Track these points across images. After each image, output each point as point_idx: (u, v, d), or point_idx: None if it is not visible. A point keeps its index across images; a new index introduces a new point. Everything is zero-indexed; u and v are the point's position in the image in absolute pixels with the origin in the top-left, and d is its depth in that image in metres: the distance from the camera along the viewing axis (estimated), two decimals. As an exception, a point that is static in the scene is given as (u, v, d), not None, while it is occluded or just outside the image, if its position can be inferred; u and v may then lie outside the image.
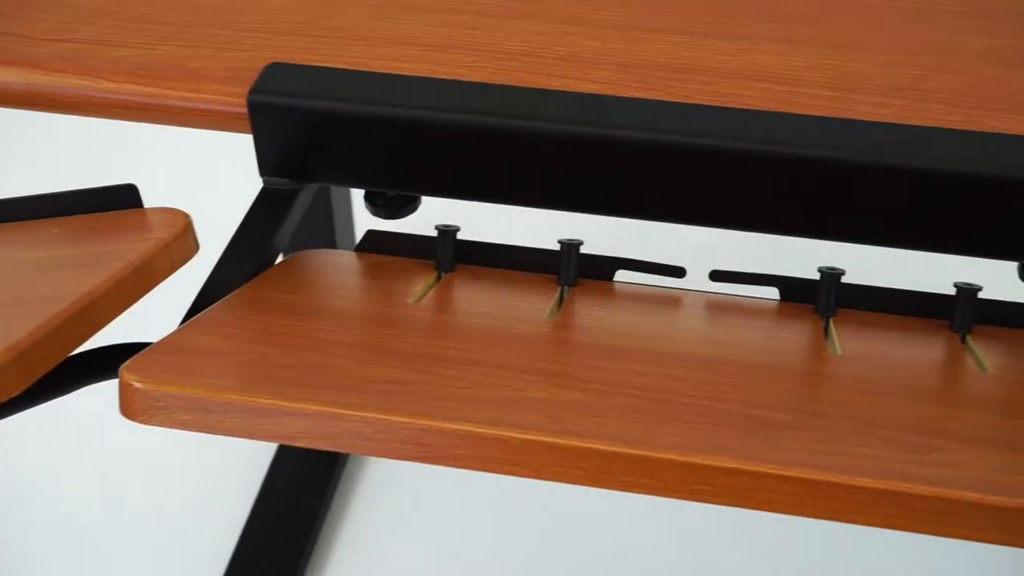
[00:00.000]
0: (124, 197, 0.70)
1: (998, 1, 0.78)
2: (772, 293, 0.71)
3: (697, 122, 0.63)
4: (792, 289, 0.70)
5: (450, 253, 0.71)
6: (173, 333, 0.59)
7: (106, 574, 1.12)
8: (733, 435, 0.53)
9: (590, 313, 0.67)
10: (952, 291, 0.68)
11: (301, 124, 0.66)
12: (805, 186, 0.63)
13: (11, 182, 1.63)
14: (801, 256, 0.84)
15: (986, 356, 0.64)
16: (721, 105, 0.66)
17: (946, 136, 0.63)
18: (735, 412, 0.55)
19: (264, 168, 0.70)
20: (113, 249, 0.63)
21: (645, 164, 0.64)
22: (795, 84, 0.68)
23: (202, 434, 0.54)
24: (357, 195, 1.14)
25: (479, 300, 0.68)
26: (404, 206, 0.73)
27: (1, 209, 0.71)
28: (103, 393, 0.64)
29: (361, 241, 0.74)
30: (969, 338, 0.67)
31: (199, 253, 0.69)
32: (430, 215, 0.79)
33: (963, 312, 0.67)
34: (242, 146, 0.71)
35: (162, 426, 0.53)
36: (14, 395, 0.53)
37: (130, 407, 0.54)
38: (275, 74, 0.68)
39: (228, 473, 1.20)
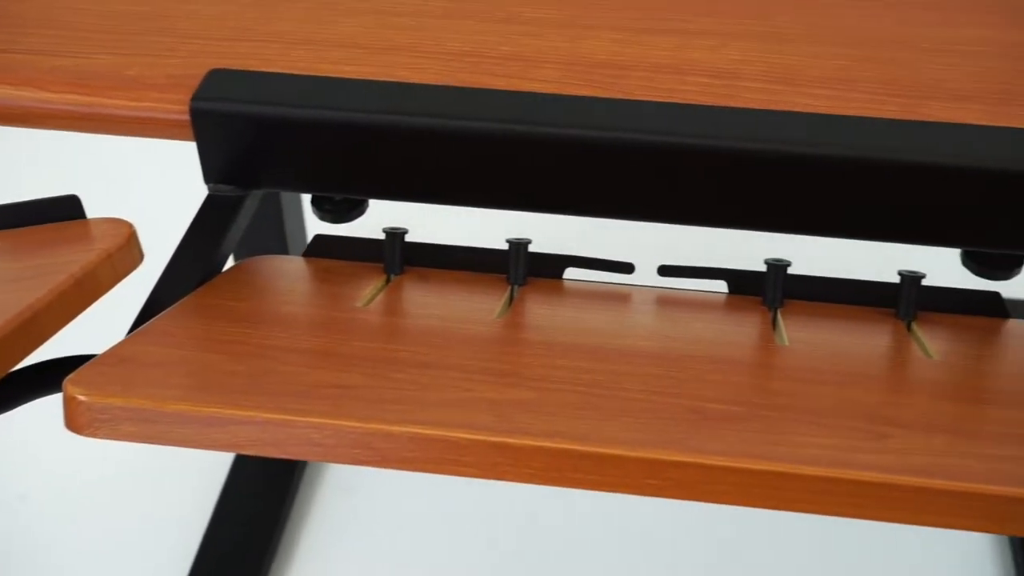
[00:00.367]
0: (66, 208, 0.70)
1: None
2: (720, 286, 0.71)
3: (639, 118, 0.64)
4: (740, 282, 0.71)
5: (398, 256, 0.71)
6: (118, 344, 0.59)
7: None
8: (681, 428, 0.53)
9: (539, 311, 0.67)
10: (897, 279, 0.69)
11: (244, 130, 0.66)
12: (744, 179, 0.63)
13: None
14: (749, 249, 0.84)
15: (931, 342, 0.65)
16: (661, 100, 0.66)
17: (882, 125, 0.64)
18: (683, 406, 0.55)
19: (208, 175, 0.69)
20: (55, 261, 0.63)
21: (589, 162, 0.64)
22: (732, 77, 0.69)
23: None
24: (308, 200, 1.13)
25: (428, 302, 0.68)
26: (352, 210, 0.72)
27: (-60, 224, 0.70)
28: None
29: (309, 246, 0.73)
30: (914, 325, 0.68)
31: (147, 263, 0.69)
32: (381, 218, 0.78)
33: (907, 299, 0.68)
34: (187, 154, 0.70)
35: (108, 439, 0.53)
36: (-45, 412, 0.53)
37: (75, 421, 0.53)
38: (217, 80, 0.67)
39: (186, 482, 1.19)
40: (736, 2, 0.77)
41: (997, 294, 0.70)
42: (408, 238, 0.71)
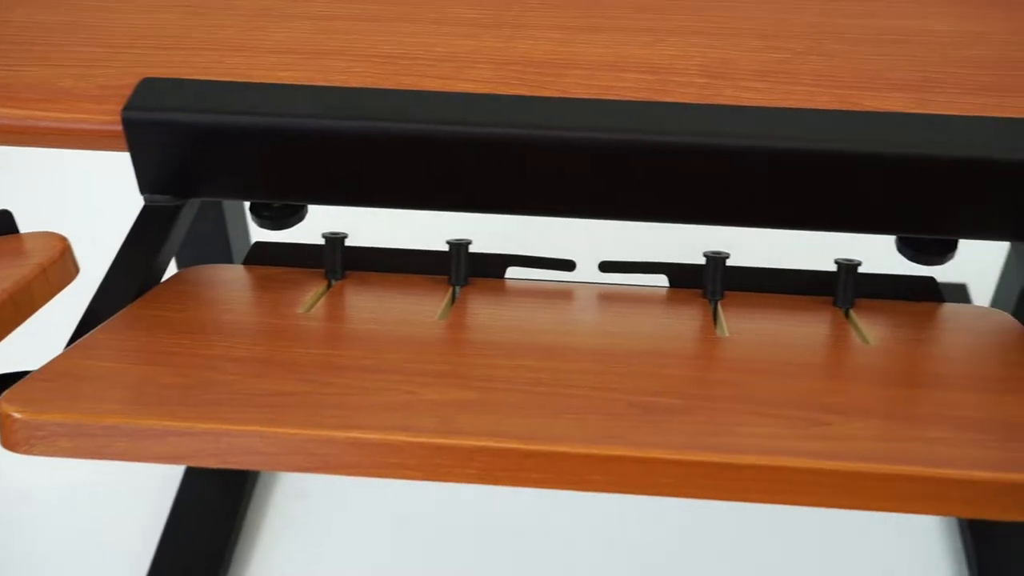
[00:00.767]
0: (-2, 223, 0.69)
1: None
2: (661, 280, 0.72)
3: (573, 116, 0.64)
4: (680, 275, 0.71)
5: (339, 260, 0.70)
6: (55, 359, 0.58)
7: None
8: (623, 423, 0.53)
9: (481, 311, 0.67)
10: (834, 268, 0.69)
11: (177, 139, 0.65)
12: (681, 173, 0.64)
13: None
14: (690, 243, 0.85)
15: (869, 328, 0.66)
16: (598, 98, 0.66)
17: (816, 117, 0.64)
18: (625, 400, 0.56)
19: (144, 185, 0.69)
20: (-12, 277, 0.62)
21: (525, 160, 0.64)
22: (667, 73, 0.69)
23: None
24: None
25: (370, 306, 0.68)
26: (291, 216, 0.72)
27: None
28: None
29: (249, 254, 0.73)
30: (852, 312, 0.69)
31: (85, 276, 0.68)
32: (324, 222, 0.78)
33: (845, 287, 0.69)
34: (124, 164, 0.70)
35: (45, 455, 0.52)
36: None
37: (10, 438, 0.52)
38: (149, 89, 0.67)
39: (138, 494, 1.18)
40: (671, -2, 0.78)
41: (932, 279, 0.71)
42: (350, 242, 0.71)
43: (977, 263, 1.26)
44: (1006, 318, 0.68)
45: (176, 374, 0.57)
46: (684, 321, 0.67)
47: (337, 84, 0.68)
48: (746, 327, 0.66)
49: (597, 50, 0.72)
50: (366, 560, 1.12)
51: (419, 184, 0.66)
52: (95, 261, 0.72)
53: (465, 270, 0.70)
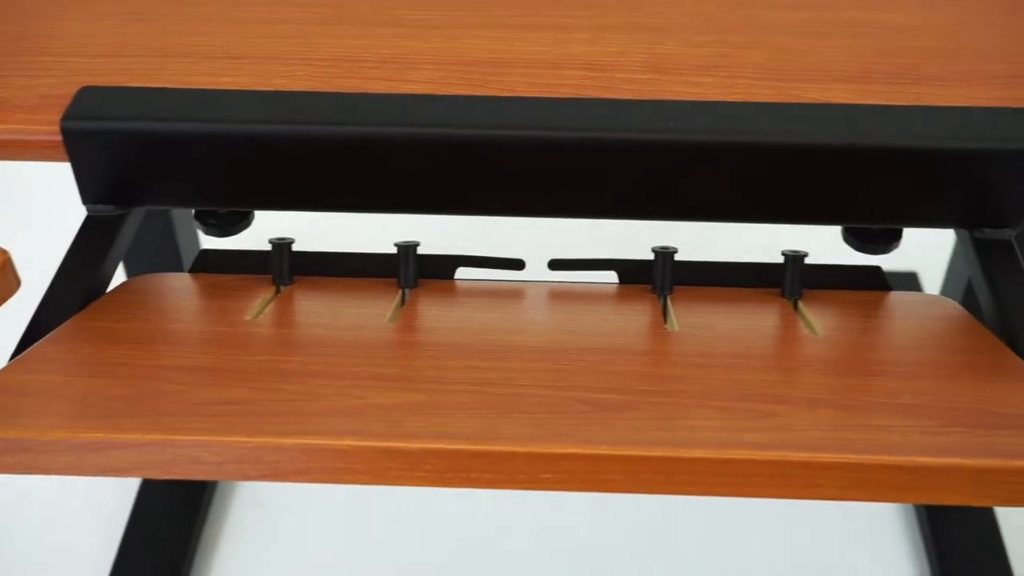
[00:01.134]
0: (-62, 238, 0.68)
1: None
2: (611, 277, 0.72)
3: (517, 114, 0.64)
4: (629, 271, 0.71)
5: (286, 266, 0.70)
6: (-3, 374, 0.57)
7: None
8: (572, 421, 0.53)
9: (431, 313, 0.67)
10: (780, 259, 0.70)
11: (118, 148, 0.65)
12: (628, 169, 0.64)
13: None
14: (640, 239, 0.85)
15: (816, 319, 0.66)
16: (541, 96, 0.67)
17: (759, 109, 0.65)
18: (575, 398, 0.56)
19: (86, 196, 0.68)
20: (-74, 293, 0.61)
21: (472, 160, 0.64)
22: (611, 69, 0.69)
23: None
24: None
25: (318, 311, 0.67)
26: (237, 222, 0.71)
27: None
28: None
29: (195, 261, 0.72)
30: (800, 303, 0.69)
31: (27, 289, 0.67)
32: (287, 228, 0.78)
33: (792, 279, 0.69)
34: (65, 174, 0.69)
35: (-13, 472, 0.51)
36: None
37: (-49, 456, 0.51)
38: (88, 98, 0.66)
39: (90, 507, 1.17)
40: (614, -5, 0.78)
41: (878, 268, 0.71)
42: (304, 247, 0.71)
43: (935, 251, 1.28)
44: (951, 305, 0.69)
45: (121, 386, 0.56)
46: (633, 317, 0.67)
47: (279, 88, 0.67)
48: (695, 321, 0.66)
49: (540, 48, 0.72)
50: (325, 569, 1.11)
51: (365, 187, 0.66)
52: (38, 273, 0.71)
53: (414, 272, 0.70)
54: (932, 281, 1.38)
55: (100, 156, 0.65)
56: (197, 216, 0.71)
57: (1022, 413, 0.54)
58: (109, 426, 0.51)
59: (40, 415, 0.53)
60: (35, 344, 0.61)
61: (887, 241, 0.70)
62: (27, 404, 0.54)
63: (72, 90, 0.67)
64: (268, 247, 0.70)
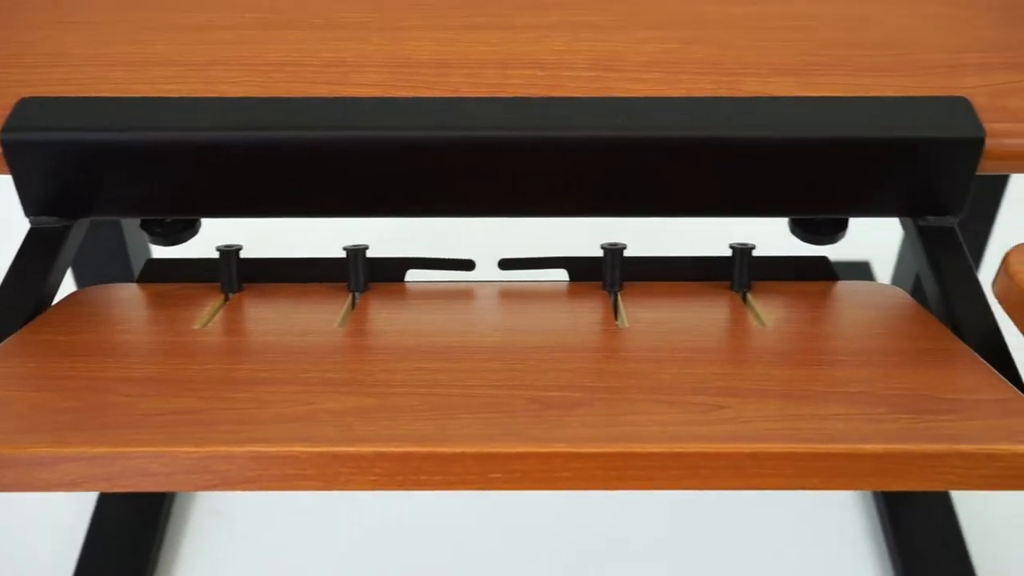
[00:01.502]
0: None
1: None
2: (562, 275, 0.72)
3: (463, 115, 0.64)
4: (579, 269, 0.71)
5: (234, 273, 0.69)
6: (-60, 391, 0.56)
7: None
8: (522, 420, 0.53)
9: (381, 316, 0.67)
10: (728, 252, 0.70)
11: (59, 159, 0.64)
12: (575, 167, 0.64)
13: None
14: (590, 236, 0.86)
15: (765, 311, 0.67)
16: (487, 96, 0.67)
17: (702, 104, 0.65)
18: (525, 397, 0.56)
19: (28, 208, 0.67)
20: None
21: (419, 162, 0.64)
22: (556, 68, 0.69)
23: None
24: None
25: (267, 317, 0.67)
26: (184, 231, 0.71)
27: None
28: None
29: (142, 271, 0.72)
30: (749, 295, 0.69)
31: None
32: (236, 233, 0.77)
33: (741, 271, 0.70)
34: (6, 186, 0.68)
35: (-69, 491, 0.51)
36: None
37: None
38: (27, 109, 0.65)
39: (46, 520, 1.15)
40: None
41: (825, 258, 0.72)
42: (257, 254, 0.70)
43: (892, 240, 1.29)
44: (897, 293, 0.70)
45: (67, 399, 0.56)
46: (584, 314, 0.67)
47: (222, 95, 0.67)
48: (645, 316, 0.66)
49: (485, 48, 0.72)
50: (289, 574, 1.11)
51: (312, 192, 0.66)
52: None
53: (364, 276, 0.70)
54: (887, 270, 1.39)
55: (41, 168, 0.64)
56: (143, 225, 0.71)
57: (965, 397, 0.55)
58: (55, 440, 0.51)
59: (-16, 431, 0.53)
60: None
61: (833, 231, 0.70)
62: (-30, 421, 0.54)
63: (11, 101, 0.66)
64: (216, 255, 0.70)
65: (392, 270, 0.71)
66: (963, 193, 0.66)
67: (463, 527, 1.15)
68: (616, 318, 0.66)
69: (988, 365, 0.59)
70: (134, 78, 0.69)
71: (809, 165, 0.64)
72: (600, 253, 0.70)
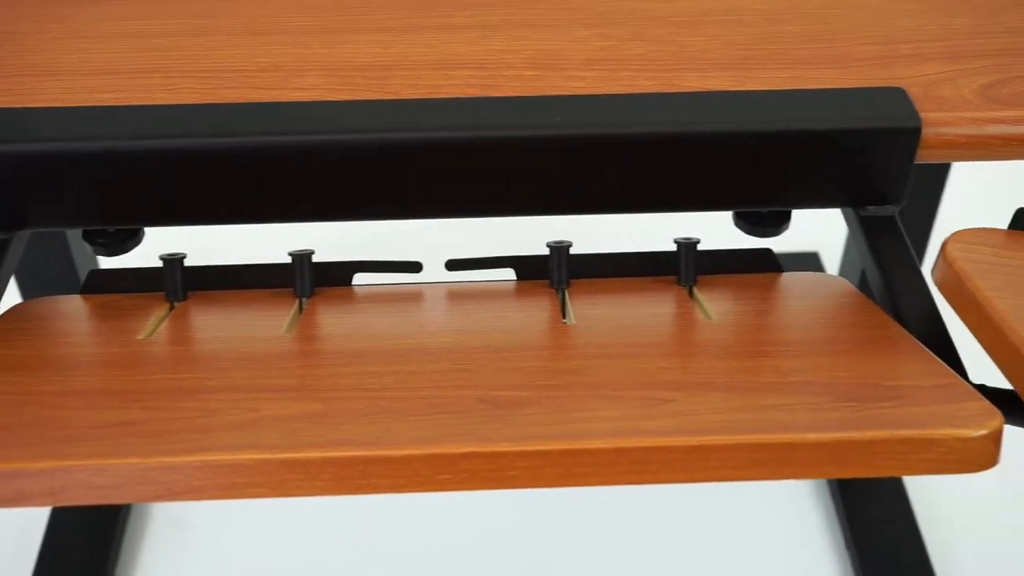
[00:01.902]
0: None
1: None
2: (509, 275, 0.72)
3: (402, 118, 0.64)
4: (526, 267, 0.72)
5: (179, 282, 0.69)
6: None
7: None
8: (470, 420, 0.53)
9: (327, 321, 0.66)
10: (673, 247, 0.71)
11: None
12: (515, 166, 0.64)
13: None
14: (537, 234, 0.86)
15: (711, 304, 0.67)
16: (426, 97, 0.67)
17: (641, 101, 0.66)
18: (472, 397, 0.56)
19: None
20: None
21: (361, 165, 0.64)
22: (496, 68, 0.70)
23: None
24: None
25: (213, 325, 0.66)
26: (127, 240, 0.70)
27: None
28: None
29: (85, 282, 0.71)
30: (695, 289, 0.70)
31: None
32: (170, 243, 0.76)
33: (686, 266, 0.70)
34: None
35: None
36: None
37: None
38: None
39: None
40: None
41: (769, 250, 0.73)
42: (194, 262, 0.70)
43: (840, 230, 1.31)
44: (841, 282, 0.70)
45: (8, 414, 0.55)
46: (531, 312, 0.67)
47: (159, 103, 0.66)
48: (592, 313, 0.66)
49: (424, 50, 0.72)
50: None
51: (254, 198, 0.65)
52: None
53: (310, 281, 0.69)
54: (838, 260, 1.41)
55: None
56: (86, 236, 0.70)
57: (906, 384, 0.56)
58: (-6, 457, 0.50)
59: (-78, 451, 0.52)
60: None
61: (776, 224, 0.71)
62: (-91, 440, 0.53)
63: (-57, 114, 0.65)
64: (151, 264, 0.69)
65: (339, 274, 0.71)
66: (902, 182, 0.67)
67: (431, 532, 1.15)
68: (563, 316, 0.67)
69: (929, 352, 0.60)
70: (69, 87, 0.68)
71: (749, 158, 0.65)
72: (545, 251, 0.70)
